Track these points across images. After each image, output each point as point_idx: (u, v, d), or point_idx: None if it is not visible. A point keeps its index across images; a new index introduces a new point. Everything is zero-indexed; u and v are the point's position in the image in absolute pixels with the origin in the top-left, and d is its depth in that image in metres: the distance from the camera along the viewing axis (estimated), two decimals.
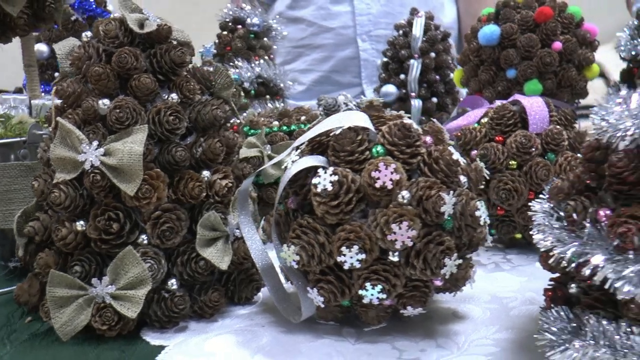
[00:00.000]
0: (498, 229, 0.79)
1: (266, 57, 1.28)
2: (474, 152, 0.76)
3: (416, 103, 1.20)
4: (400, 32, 1.23)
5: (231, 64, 1.24)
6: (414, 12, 1.24)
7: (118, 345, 0.58)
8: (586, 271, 0.44)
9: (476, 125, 0.79)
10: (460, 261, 0.53)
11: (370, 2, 1.57)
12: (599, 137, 0.47)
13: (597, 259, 0.43)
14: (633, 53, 1.01)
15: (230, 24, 1.29)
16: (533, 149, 0.74)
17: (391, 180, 0.51)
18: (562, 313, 0.48)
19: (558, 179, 0.51)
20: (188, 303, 0.62)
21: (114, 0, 0.71)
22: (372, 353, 0.54)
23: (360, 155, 0.53)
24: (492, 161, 0.74)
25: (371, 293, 0.52)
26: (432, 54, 1.20)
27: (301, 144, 0.57)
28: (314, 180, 0.52)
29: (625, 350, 0.42)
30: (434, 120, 0.59)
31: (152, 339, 0.59)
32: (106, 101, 0.60)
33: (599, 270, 0.43)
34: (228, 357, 0.55)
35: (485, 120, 0.79)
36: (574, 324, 0.46)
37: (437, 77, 1.21)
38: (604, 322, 0.44)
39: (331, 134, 0.55)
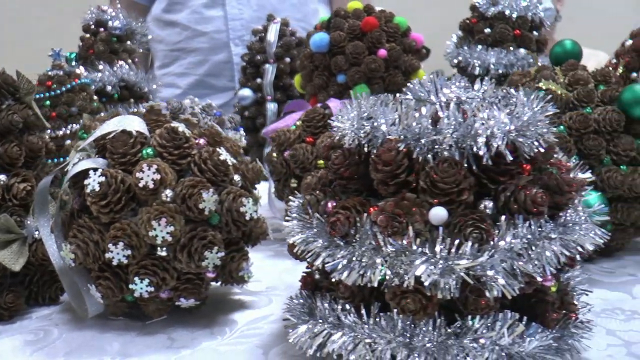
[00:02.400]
0: None
1: (129, 61, 1.29)
2: (287, 152, 0.81)
3: (272, 106, 1.25)
4: (257, 37, 1.28)
5: (93, 67, 1.24)
6: (270, 18, 1.28)
7: None
8: (309, 257, 0.49)
9: (293, 127, 0.84)
10: (223, 254, 0.57)
11: (243, 8, 1.61)
12: (333, 137, 0.53)
13: (315, 245, 0.48)
14: (455, 61, 1.10)
15: (92, 26, 1.28)
16: None
17: (153, 180, 0.54)
18: (302, 298, 0.53)
19: (309, 176, 0.57)
20: None
21: None
22: (146, 344, 0.57)
23: (133, 157, 0.57)
24: (301, 161, 0.80)
25: (140, 287, 0.55)
26: (287, 59, 1.26)
27: (83, 147, 0.60)
28: (85, 182, 0.55)
29: (339, 325, 0.48)
30: (214, 124, 0.63)
31: None
32: None
33: (319, 257, 0.48)
34: (7, 358, 0.56)
35: (299, 122, 0.84)
36: (311, 307, 0.52)
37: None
38: (326, 303, 0.49)
39: (107, 137, 0.58)
